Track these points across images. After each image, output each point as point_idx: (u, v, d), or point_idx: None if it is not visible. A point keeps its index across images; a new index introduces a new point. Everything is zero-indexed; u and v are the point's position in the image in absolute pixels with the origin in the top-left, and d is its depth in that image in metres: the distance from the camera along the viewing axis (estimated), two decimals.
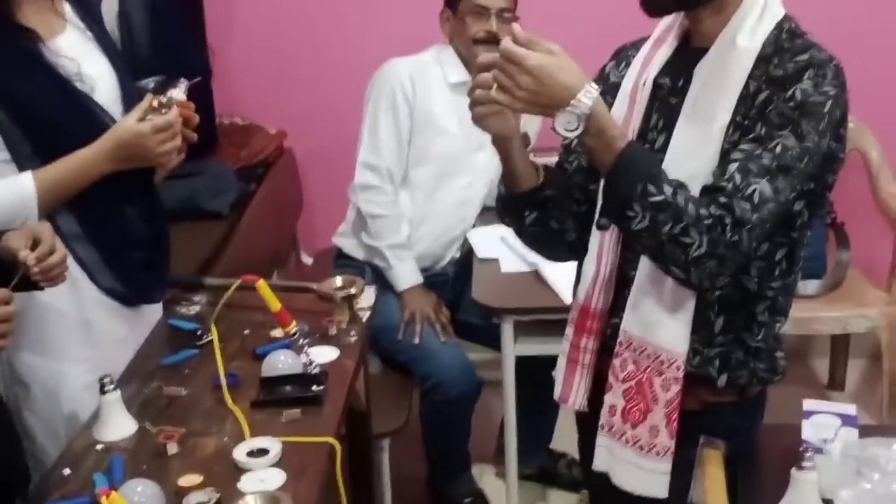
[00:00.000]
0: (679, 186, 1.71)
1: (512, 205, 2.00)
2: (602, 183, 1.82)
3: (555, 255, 2.13)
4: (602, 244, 1.94)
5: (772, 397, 2.01)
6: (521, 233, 2.05)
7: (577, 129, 1.69)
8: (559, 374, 2.05)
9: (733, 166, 1.72)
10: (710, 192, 1.73)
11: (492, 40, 3.24)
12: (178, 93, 2.28)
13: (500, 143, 1.87)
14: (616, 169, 1.72)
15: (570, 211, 2.01)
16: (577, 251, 2.04)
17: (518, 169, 1.92)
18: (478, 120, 1.79)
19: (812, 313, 3.56)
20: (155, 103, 2.22)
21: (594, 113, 1.68)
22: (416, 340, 3.27)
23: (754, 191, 1.70)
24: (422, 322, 3.29)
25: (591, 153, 1.76)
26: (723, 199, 1.71)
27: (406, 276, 3.37)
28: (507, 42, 1.67)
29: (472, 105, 1.77)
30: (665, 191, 1.69)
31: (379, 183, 3.37)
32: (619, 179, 1.72)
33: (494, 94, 1.69)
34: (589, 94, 1.67)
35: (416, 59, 3.45)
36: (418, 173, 3.44)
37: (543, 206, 1.98)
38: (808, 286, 3.59)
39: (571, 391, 2.02)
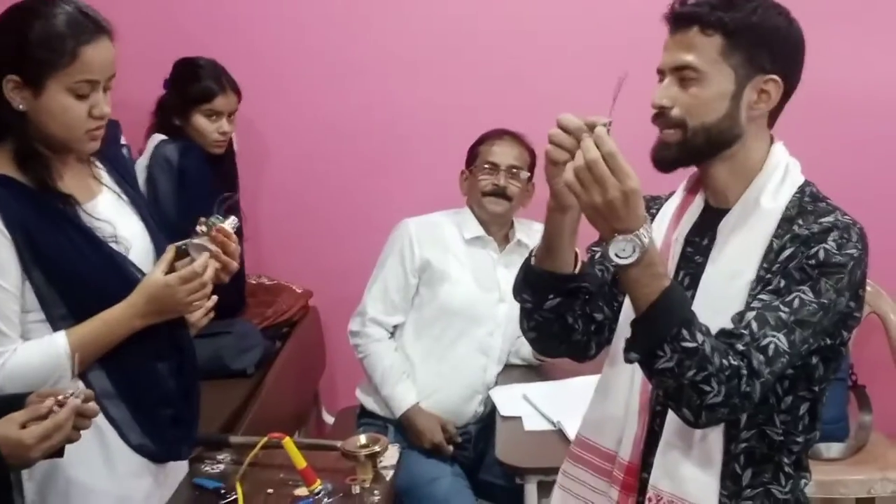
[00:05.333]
0: (707, 333, 1.73)
1: (538, 281, 1.92)
2: (626, 312, 1.81)
3: (549, 349, 2.09)
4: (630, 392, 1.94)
5: None
6: (532, 313, 1.96)
7: (629, 257, 1.67)
8: None
9: (751, 314, 1.76)
10: (727, 337, 1.75)
11: (499, 194, 3.47)
12: (229, 223, 2.34)
13: (558, 209, 1.82)
14: (656, 306, 1.70)
15: (591, 314, 1.97)
16: (575, 353, 2.03)
17: (562, 246, 1.86)
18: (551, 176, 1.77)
19: (836, 476, 3.53)
20: (174, 254, 2.28)
21: (650, 248, 1.70)
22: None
23: (769, 343, 1.73)
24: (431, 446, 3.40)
25: (631, 285, 1.73)
26: (740, 348, 1.73)
27: (402, 398, 3.47)
28: (613, 153, 1.64)
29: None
30: (697, 338, 1.70)
31: (361, 329, 3.55)
32: (657, 317, 1.71)
33: (576, 190, 1.66)
34: (648, 229, 1.69)
35: (427, 217, 3.59)
36: (435, 325, 3.51)
37: (571, 295, 1.93)
38: (832, 449, 3.57)
39: None
